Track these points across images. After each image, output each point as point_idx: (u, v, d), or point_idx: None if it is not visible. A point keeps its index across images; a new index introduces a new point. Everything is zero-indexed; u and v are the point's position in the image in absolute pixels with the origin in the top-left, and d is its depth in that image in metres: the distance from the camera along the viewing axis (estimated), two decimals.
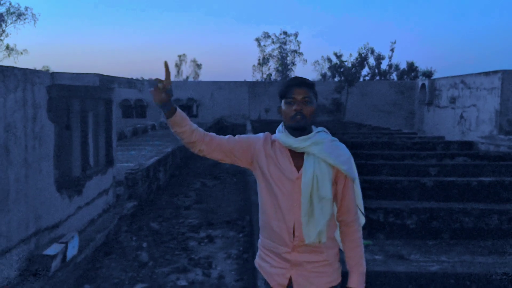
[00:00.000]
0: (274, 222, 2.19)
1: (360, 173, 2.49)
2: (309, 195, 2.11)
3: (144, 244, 6.37)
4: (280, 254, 2.20)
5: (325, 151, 2.14)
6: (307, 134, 2.19)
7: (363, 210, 2.37)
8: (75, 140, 6.14)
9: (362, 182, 2.55)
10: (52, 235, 5.22)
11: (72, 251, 5.18)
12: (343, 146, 2.26)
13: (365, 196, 2.64)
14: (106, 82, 6.02)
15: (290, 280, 2.20)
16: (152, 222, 7.42)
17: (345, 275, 2.29)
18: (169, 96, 2.08)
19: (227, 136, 2.33)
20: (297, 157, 2.19)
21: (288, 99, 2.17)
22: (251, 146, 2.27)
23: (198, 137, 2.23)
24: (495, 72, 18.50)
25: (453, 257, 4.80)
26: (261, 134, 2.32)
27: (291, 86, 2.18)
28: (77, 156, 6.19)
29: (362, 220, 2.38)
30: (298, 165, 2.17)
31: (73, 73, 5.45)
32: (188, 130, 2.20)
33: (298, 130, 2.18)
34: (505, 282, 3.60)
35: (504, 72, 18.10)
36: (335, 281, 2.26)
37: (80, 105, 6.24)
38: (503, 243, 5.41)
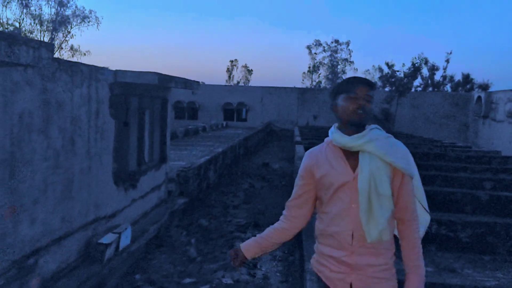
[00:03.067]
0: (331, 227, 2.14)
1: None
2: (367, 194, 2.04)
3: (193, 240, 6.53)
4: (339, 258, 2.12)
5: (381, 148, 2.07)
6: (360, 132, 2.12)
7: (426, 207, 2.26)
8: (132, 136, 6.39)
9: None
10: (108, 224, 5.46)
11: (125, 241, 5.40)
12: (399, 142, 2.17)
13: None
14: (164, 81, 6.24)
15: (351, 286, 2.11)
16: (201, 219, 7.58)
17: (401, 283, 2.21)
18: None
19: (293, 192, 2.37)
20: (352, 157, 2.12)
21: (350, 94, 2.11)
22: (307, 177, 2.26)
23: (289, 224, 2.35)
24: None
25: (510, 274, 4.62)
26: (304, 159, 2.31)
27: (355, 82, 2.13)
28: (133, 151, 6.44)
29: (427, 218, 2.29)
30: (353, 165, 2.11)
31: (135, 71, 5.68)
32: (275, 239, 2.38)
33: (357, 126, 2.12)
34: None
35: None
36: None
37: (138, 102, 6.50)
38: None
